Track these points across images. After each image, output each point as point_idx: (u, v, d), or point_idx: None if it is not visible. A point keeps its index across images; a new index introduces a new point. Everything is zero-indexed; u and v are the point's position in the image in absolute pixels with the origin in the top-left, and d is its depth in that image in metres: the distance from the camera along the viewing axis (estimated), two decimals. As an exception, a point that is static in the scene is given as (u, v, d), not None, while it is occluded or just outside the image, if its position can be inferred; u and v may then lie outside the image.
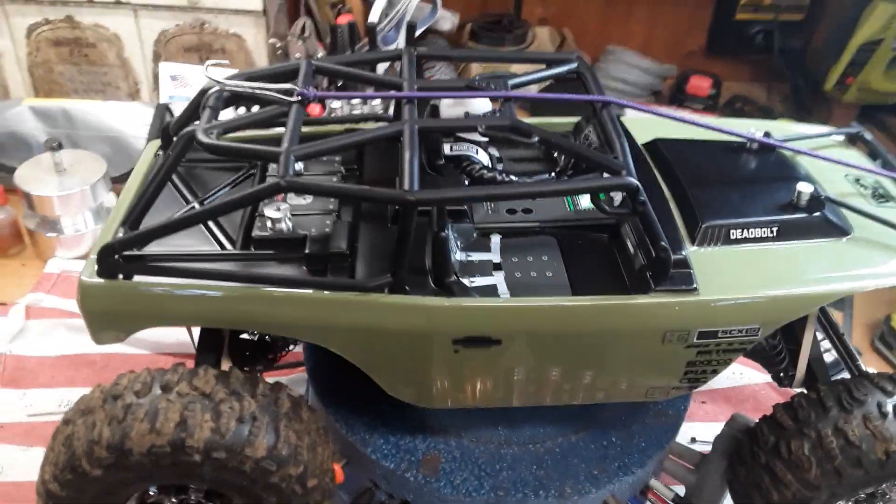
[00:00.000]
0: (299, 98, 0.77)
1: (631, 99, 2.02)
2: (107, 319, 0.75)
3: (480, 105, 0.89)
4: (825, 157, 0.90)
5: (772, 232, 0.81)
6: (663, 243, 0.72)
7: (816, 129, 1.02)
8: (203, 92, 0.79)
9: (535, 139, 0.76)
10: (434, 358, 0.76)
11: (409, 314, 0.73)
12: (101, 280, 0.73)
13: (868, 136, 1.00)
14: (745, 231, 0.80)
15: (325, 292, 0.73)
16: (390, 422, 0.91)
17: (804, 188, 0.81)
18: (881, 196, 0.90)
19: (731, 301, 0.76)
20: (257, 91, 0.77)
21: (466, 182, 0.88)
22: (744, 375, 1.31)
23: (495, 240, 0.84)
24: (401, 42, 1.66)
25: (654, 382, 0.82)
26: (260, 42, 1.65)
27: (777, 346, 0.91)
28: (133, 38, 1.64)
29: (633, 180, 0.71)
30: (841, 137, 1.01)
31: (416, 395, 0.81)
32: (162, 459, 0.67)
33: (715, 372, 0.81)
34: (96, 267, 0.73)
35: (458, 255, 0.81)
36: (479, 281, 0.78)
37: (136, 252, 0.75)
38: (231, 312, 0.74)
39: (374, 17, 1.61)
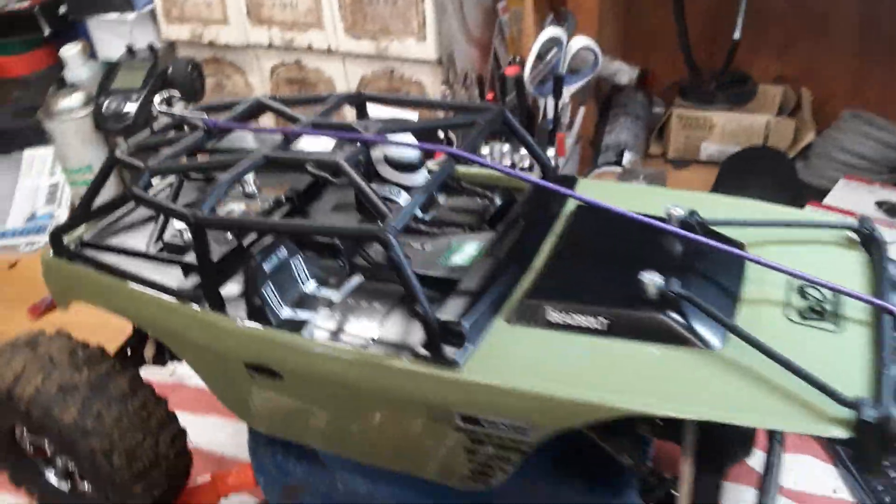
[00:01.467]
0: (204, 127, 0.89)
1: (862, 176, 1.67)
2: (57, 289, 0.96)
3: (404, 149, 0.91)
4: (743, 255, 0.71)
5: (601, 324, 0.68)
6: (418, 307, 0.67)
7: (817, 218, 0.80)
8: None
9: (348, 181, 0.76)
10: (236, 378, 0.81)
11: (209, 330, 0.80)
12: (53, 257, 0.94)
13: (881, 236, 0.75)
14: (568, 317, 0.69)
15: (158, 294, 0.83)
16: (291, 443, 0.96)
17: (649, 280, 0.66)
18: (818, 314, 0.68)
19: (489, 387, 0.66)
20: (179, 117, 0.91)
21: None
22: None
23: (353, 281, 0.85)
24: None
25: (445, 464, 0.74)
26: (436, 89, 1.79)
27: (649, 469, 0.74)
28: (342, 80, 1.90)
29: (386, 232, 0.68)
30: (846, 234, 0.78)
31: (240, 413, 0.86)
32: (3, 402, 0.84)
33: (503, 471, 0.71)
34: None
35: (306, 287, 0.84)
36: (301, 314, 0.80)
37: (86, 240, 0.95)
38: (112, 302, 0.89)
39: (527, 69, 1.64)
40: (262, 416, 0.85)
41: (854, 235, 0.77)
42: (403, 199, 0.93)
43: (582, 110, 1.80)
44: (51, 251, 0.95)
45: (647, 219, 0.74)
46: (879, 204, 1.53)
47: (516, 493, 0.86)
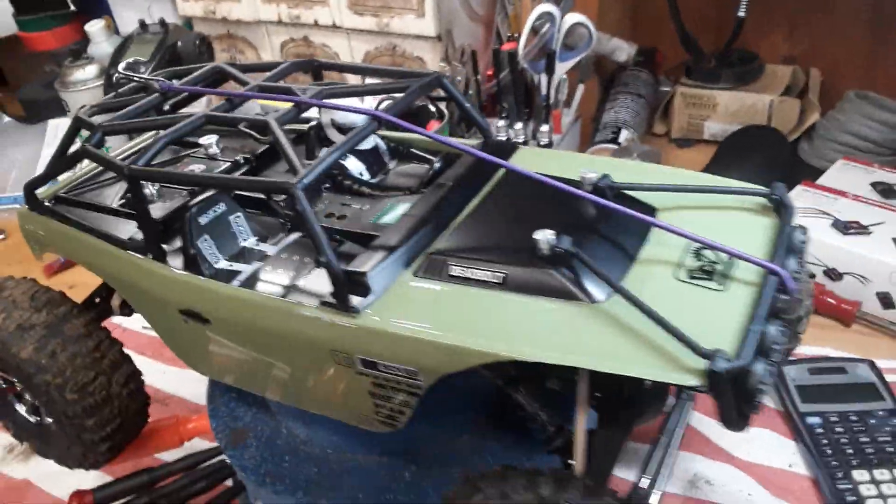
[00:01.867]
0: (160, 89, 0.94)
1: (864, 158, 1.64)
2: (31, 240, 1.03)
3: (353, 115, 0.95)
4: (638, 216, 0.72)
5: (497, 278, 0.71)
6: (322, 257, 0.71)
7: (733, 185, 0.81)
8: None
9: (270, 137, 0.79)
10: (175, 324, 0.86)
11: (150, 278, 0.85)
12: (27, 210, 1.01)
13: (790, 203, 0.76)
14: (469, 271, 0.72)
15: (110, 245, 0.89)
16: (245, 391, 1.02)
17: (542, 237, 0.69)
18: (707, 274, 0.69)
19: (383, 333, 0.70)
20: (137, 79, 0.97)
21: (327, 185, 0.96)
22: (752, 498, 1.05)
23: (291, 237, 0.89)
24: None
25: (355, 408, 0.78)
26: (436, 65, 1.82)
27: (540, 418, 0.77)
28: (347, 55, 1.95)
29: (294, 187, 0.71)
30: (760, 200, 0.78)
31: (183, 358, 0.91)
32: None
33: (402, 413, 0.74)
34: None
35: (246, 242, 0.89)
36: (236, 266, 0.85)
37: (61, 195, 1.01)
38: (75, 253, 0.95)
39: (520, 44, 1.66)
40: (199, 360, 0.90)
41: (766, 202, 0.78)
42: (350, 161, 0.97)
43: (581, 88, 1.80)
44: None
45: (559, 183, 0.76)
46: (874, 185, 1.50)
47: (442, 444, 0.90)
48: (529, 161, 0.88)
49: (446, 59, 1.79)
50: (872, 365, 1.20)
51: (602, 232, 0.73)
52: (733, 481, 1.06)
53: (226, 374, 0.89)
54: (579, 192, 0.74)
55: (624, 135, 1.75)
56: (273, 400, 0.89)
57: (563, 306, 0.67)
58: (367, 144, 0.97)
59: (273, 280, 0.82)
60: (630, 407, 0.77)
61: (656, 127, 1.92)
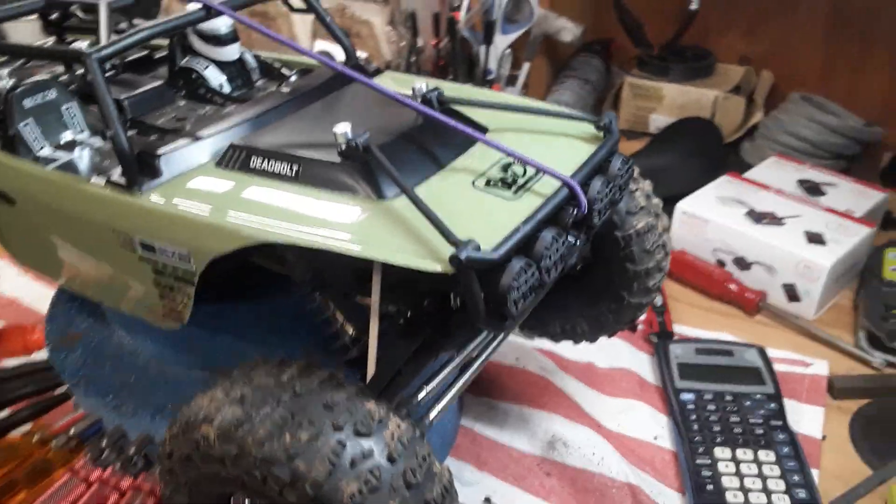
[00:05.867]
0: None
1: (804, 160, 1.59)
2: None
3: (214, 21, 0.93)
4: (441, 118, 0.69)
5: (291, 171, 0.68)
6: (109, 131, 0.68)
7: (568, 111, 0.77)
8: None
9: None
10: None
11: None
12: None
13: (615, 131, 0.73)
14: (267, 163, 0.69)
15: None
16: (87, 302, 0.99)
17: (340, 129, 0.65)
18: (506, 185, 0.66)
19: (157, 211, 0.66)
20: None
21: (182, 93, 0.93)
22: (603, 462, 1.00)
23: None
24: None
25: (143, 299, 0.75)
26: (383, 28, 1.80)
27: (337, 323, 0.73)
28: (298, 18, 1.93)
29: (87, 55, 0.69)
30: (591, 127, 0.75)
31: (6, 246, 0.88)
32: None
33: (184, 305, 0.71)
34: None
35: (78, 135, 0.86)
36: (59, 154, 0.82)
37: None
38: None
39: (462, 11, 1.64)
40: (15, 246, 0.86)
41: (595, 129, 0.74)
42: (210, 71, 0.94)
43: (527, 66, 1.78)
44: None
45: (388, 90, 0.73)
46: (801, 182, 1.46)
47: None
48: (389, 82, 0.86)
49: (392, 23, 1.77)
50: (762, 351, 1.16)
51: (417, 139, 0.70)
52: (589, 444, 1.02)
53: (36, 261, 0.86)
54: (405, 99, 0.71)
55: (563, 116, 1.72)
56: (76, 291, 0.85)
57: (347, 199, 0.64)
58: (231, 56, 0.94)
59: (83, 166, 0.79)
60: (425, 323, 0.74)
61: (605, 117, 1.89)
